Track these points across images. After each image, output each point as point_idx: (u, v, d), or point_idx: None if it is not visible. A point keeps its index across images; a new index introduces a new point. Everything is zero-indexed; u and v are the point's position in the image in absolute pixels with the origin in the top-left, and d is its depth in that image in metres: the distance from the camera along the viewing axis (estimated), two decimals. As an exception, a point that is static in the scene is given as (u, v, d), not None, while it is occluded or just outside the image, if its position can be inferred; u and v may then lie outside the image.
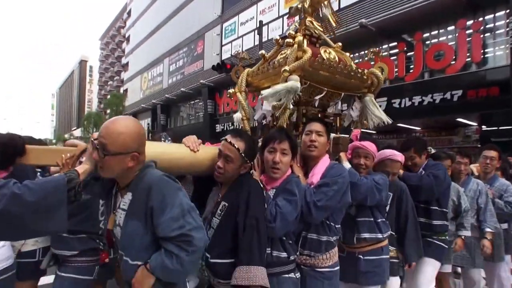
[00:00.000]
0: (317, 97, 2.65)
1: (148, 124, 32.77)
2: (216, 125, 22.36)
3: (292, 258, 1.86)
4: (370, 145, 2.35)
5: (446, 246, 2.94)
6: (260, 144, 2.15)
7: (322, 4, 2.97)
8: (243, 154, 1.73)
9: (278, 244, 1.82)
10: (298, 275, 1.90)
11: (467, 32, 10.57)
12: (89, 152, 1.43)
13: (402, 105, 11.34)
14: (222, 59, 21.04)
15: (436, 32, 11.50)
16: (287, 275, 1.83)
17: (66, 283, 2.12)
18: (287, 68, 2.38)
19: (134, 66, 37.05)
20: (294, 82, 2.31)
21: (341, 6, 13.45)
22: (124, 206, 1.38)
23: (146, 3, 33.96)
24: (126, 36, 42.02)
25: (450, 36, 11.18)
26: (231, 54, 20.54)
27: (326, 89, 2.66)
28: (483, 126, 11.55)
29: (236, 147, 1.72)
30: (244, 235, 1.62)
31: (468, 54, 10.45)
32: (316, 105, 2.77)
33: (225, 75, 15.13)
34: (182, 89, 24.91)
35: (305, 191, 1.91)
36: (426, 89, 10.88)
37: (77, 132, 57.06)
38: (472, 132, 11.99)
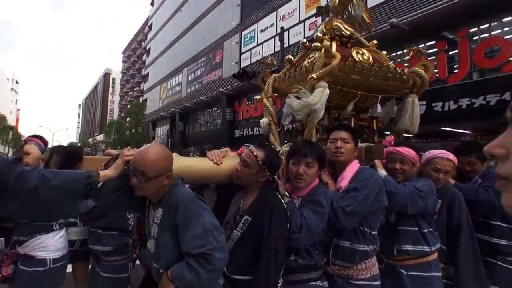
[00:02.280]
0: (351, 103, 2.42)
1: (167, 130, 32.11)
2: (235, 131, 21.18)
3: (319, 265, 1.76)
4: (405, 150, 2.08)
5: None
6: (281, 154, 2.15)
7: (354, 1, 2.71)
8: (260, 162, 1.66)
9: (304, 252, 1.71)
10: (325, 283, 1.77)
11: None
12: (116, 164, 1.52)
13: (446, 108, 9.59)
14: (241, 67, 19.98)
15: (486, 26, 9.66)
16: (313, 283, 1.71)
17: (104, 282, 2.21)
18: (314, 75, 2.21)
19: (154, 77, 36.65)
20: (321, 89, 2.14)
21: (369, 5, 11.87)
22: (157, 220, 1.46)
23: (167, 16, 33.59)
24: (147, 48, 41.77)
25: (506, 29, 9.29)
26: (250, 62, 19.50)
27: (359, 93, 2.42)
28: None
29: (255, 154, 1.68)
30: (263, 257, 1.55)
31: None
32: (343, 108, 2.50)
33: (244, 83, 14.00)
34: (200, 97, 24.01)
35: (332, 197, 1.76)
36: (476, 90, 9.06)
37: (100, 137, 58.49)
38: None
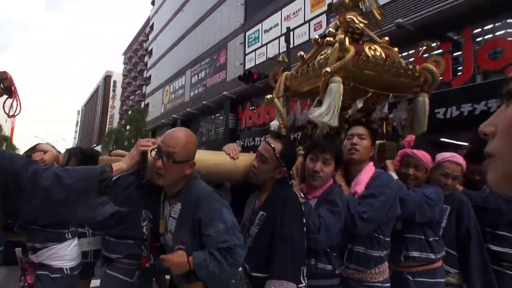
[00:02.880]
0: (361, 99, 2.57)
1: None
2: (237, 141, 21.95)
3: (337, 272, 1.85)
4: (423, 155, 2.18)
5: None
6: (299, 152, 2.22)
7: None
8: (278, 155, 1.74)
9: (323, 256, 1.82)
10: None
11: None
12: (132, 155, 1.61)
13: (448, 115, 10.20)
14: (246, 68, 21.02)
15: (491, 26, 10.35)
16: None
17: (109, 280, 2.42)
18: (328, 69, 2.29)
19: (156, 79, 38.09)
20: (336, 84, 2.24)
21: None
22: (175, 215, 1.56)
23: (168, 16, 35.10)
24: (149, 49, 43.36)
25: (510, 30, 9.96)
26: (255, 63, 20.55)
27: (371, 90, 2.53)
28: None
29: (272, 146, 1.75)
30: (277, 248, 1.62)
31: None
32: (359, 109, 2.65)
33: (248, 86, 14.81)
34: (203, 102, 25.09)
35: (349, 202, 1.87)
36: (479, 95, 9.70)
37: (99, 148, 58.73)
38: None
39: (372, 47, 2.64)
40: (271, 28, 19.54)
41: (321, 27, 15.94)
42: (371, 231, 1.91)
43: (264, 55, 19.84)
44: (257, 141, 19.62)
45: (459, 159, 2.31)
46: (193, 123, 29.54)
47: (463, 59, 10.70)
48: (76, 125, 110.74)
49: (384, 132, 2.77)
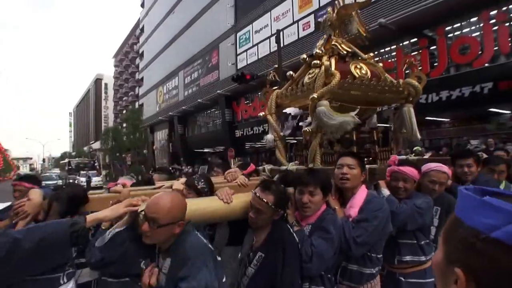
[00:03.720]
0: (352, 112, 2.54)
1: (167, 134, 33.20)
2: (236, 131, 22.50)
3: None
4: (409, 170, 2.27)
5: None
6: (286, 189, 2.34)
7: (353, 13, 2.89)
8: (273, 206, 1.76)
9: (317, 278, 1.81)
10: None
11: (492, 23, 10.31)
12: (116, 210, 1.63)
13: (429, 101, 11.11)
14: (238, 67, 21.42)
15: (459, 25, 11.29)
16: None
17: None
18: (315, 95, 2.35)
19: (149, 81, 37.63)
20: (350, 119, 2.35)
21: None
22: (165, 270, 1.52)
23: (159, 19, 34.65)
24: (140, 52, 42.67)
25: (474, 29, 10.94)
26: (246, 63, 20.85)
27: (359, 107, 2.56)
28: (517, 113, 11.16)
29: (265, 201, 1.76)
30: None
31: (495, 47, 10.19)
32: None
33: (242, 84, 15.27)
34: (199, 100, 25.20)
35: (344, 226, 1.88)
36: (454, 84, 10.64)
37: (96, 145, 58.15)
38: (506, 120, 11.60)
39: (358, 66, 2.66)
40: (261, 29, 19.85)
41: (309, 27, 16.46)
42: (367, 250, 1.95)
43: (255, 55, 20.21)
44: (255, 130, 20.14)
45: (444, 167, 2.41)
46: (190, 118, 29.78)
47: (438, 53, 11.59)
48: (70, 126, 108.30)
49: (375, 139, 2.83)
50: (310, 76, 2.72)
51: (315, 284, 1.81)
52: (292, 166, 2.78)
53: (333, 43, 2.77)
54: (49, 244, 1.31)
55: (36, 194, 1.94)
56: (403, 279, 2.22)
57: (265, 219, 1.80)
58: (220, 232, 2.10)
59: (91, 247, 1.70)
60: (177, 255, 1.48)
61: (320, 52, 2.73)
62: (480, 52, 10.46)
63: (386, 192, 2.27)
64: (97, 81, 75.51)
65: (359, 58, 2.86)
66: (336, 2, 2.99)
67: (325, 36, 2.96)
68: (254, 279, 1.73)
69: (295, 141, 3.38)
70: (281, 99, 2.96)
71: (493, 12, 10.31)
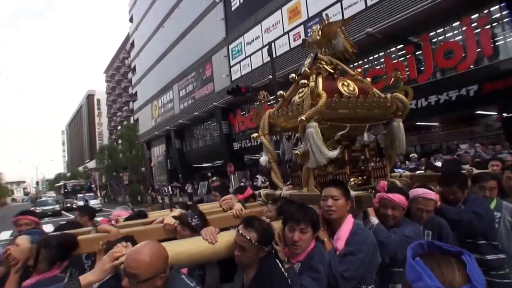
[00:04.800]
0: (339, 133, 2.61)
1: (164, 150, 33.57)
2: (234, 144, 23.00)
3: None
4: (397, 197, 2.30)
5: (510, 280, 2.60)
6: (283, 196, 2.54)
7: (338, 30, 2.94)
8: (256, 243, 1.79)
9: None
10: None
11: (473, 26, 11.09)
12: (103, 268, 1.61)
13: (419, 105, 11.82)
14: (232, 79, 22.11)
15: (441, 31, 12.11)
16: None
17: None
18: (303, 117, 2.42)
19: (143, 95, 38.17)
20: (312, 129, 2.41)
21: (345, 16, 14.22)
22: None
23: (149, 33, 35.35)
24: (132, 66, 43.28)
25: (457, 34, 11.75)
26: (240, 74, 21.50)
27: (348, 125, 2.60)
28: (503, 114, 11.84)
29: (248, 238, 1.78)
30: None
31: (478, 50, 10.97)
32: (338, 141, 2.72)
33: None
34: (195, 113, 25.73)
35: (331, 261, 1.93)
36: (441, 88, 11.41)
37: (91, 164, 58.09)
38: (493, 121, 12.38)
39: (345, 83, 2.70)
40: (253, 40, 20.61)
41: (300, 37, 17.16)
42: (356, 283, 1.97)
43: (249, 66, 20.95)
44: (254, 142, 20.16)
45: (430, 194, 2.43)
46: (187, 132, 30.28)
47: (424, 59, 12.40)
48: (63, 145, 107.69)
49: (368, 156, 2.86)
50: (299, 95, 2.78)
51: None
52: (285, 191, 2.78)
53: (318, 63, 2.82)
54: None
55: (23, 240, 2.00)
56: None
57: (250, 256, 1.82)
58: (211, 272, 2.11)
59: None
60: None
61: (308, 70, 2.77)
62: (463, 55, 11.24)
63: (374, 220, 2.27)
64: (89, 97, 75.72)
65: (347, 73, 2.94)
66: (323, 19, 3.08)
67: (312, 54, 3.01)
68: None
69: (290, 162, 3.37)
70: (273, 119, 2.99)
71: (474, 16, 11.13)
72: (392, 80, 3.00)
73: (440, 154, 11.13)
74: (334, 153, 2.47)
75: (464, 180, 2.80)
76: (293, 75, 2.96)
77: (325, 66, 2.80)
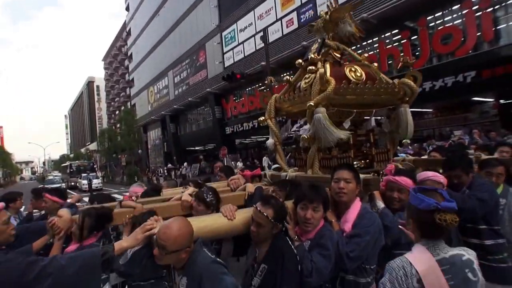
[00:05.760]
0: (347, 120, 2.49)
1: (160, 133, 32.54)
2: (226, 128, 21.98)
3: None
4: (404, 180, 2.19)
5: (508, 265, 2.42)
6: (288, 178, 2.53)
7: (347, 15, 2.74)
8: (272, 220, 1.78)
9: None
10: None
11: (474, 9, 9.77)
12: (136, 237, 1.66)
13: (414, 91, 10.68)
14: (225, 66, 20.75)
15: (440, 14, 10.73)
16: None
17: None
18: (311, 103, 2.29)
19: (139, 82, 36.65)
20: (320, 115, 2.30)
21: (340, 2, 12.74)
22: (182, 287, 1.56)
23: (145, 21, 33.51)
24: (128, 54, 41.33)
25: (456, 17, 10.40)
26: (233, 61, 20.19)
27: (355, 111, 2.47)
28: (501, 100, 10.72)
29: (265, 214, 1.77)
30: None
31: (478, 34, 9.69)
32: (346, 127, 2.57)
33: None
34: (189, 98, 24.54)
35: (338, 241, 1.88)
36: (436, 74, 10.18)
37: (92, 146, 57.22)
38: (489, 108, 11.24)
39: (353, 69, 2.56)
40: (245, 27, 19.10)
41: (292, 23, 15.80)
42: (360, 262, 1.94)
43: (241, 52, 19.50)
44: (245, 126, 19.50)
45: (440, 177, 2.29)
46: (181, 116, 29.06)
47: (421, 44, 11.06)
48: (66, 128, 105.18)
49: (372, 141, 2.76)
50: (306, 81, 2.62)
51: None
52: (291, 173, 2.70)
53: (327, 49, 2.66)
54: (86, 270, 1.41)
55: (65, 212, 2.11)
56: None
57: (265, 232, 1.81)
58: (226, 247, 2.14)
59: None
60: (191, 274, 1.53)
61: (315, 57, 2.57)
62: (462, 39, 9.96)
63: (380, 204, 2.17)
64: (89, 84, 73.54)
65: (354, 59, 2.77)
66: (329, 4, 2.80)
67: (319, 40, 2.79)
68: None
69: (294, 146, 3.24)
70: (279, 103, 2.86)
71: None
72: (400, 64, 2.81)
73: (433, 140, 10.07)
74: (346, 134, 2.41)
75: (468, 163, 2.60)
76: (300, 60, 2.80)
77: (333, 52, 2.68)
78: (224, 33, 21.01)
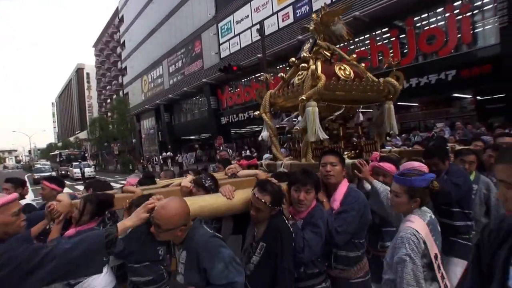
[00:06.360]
0: (336, 113, 2.67)
1: (155, 122, 32.61)
2: (221, 118, 22.49)
3: (322, 271, 2.07)
4: (388, 166, 2.43)
5: (471, 243, 2.74)
6: (283, 167, 2.61)
7: (336, 19, 2.97)
8: (270, 205, 1.90)
9: (310, 264, 2.01)
10: (328, 283, 2.10)
11: (455, 13, 10.75)
12: (139, 216, 1.68)
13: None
14: (221, 57, 21.20)
15: (426, 15, 11.68)
16: (319, 286, 2.04)
17: None
18: (303, 97, 2.49)
19: (132, 70, 36.49)
20: (312, 108, 2.48)
21: (333, 0, 13.55)
22: (182, 260, 1.69)
23: (138, 8, 33.28)
24: (121, 41, 40.92)
25: (440, 20, 11.37)
26: (229, 52, 20.62)
27: (344, 106, 2.68)
28: (477, 97, 11.84)
29: (263, 201, 1.89)
30: (280, 278, 1.86)
31: (459, 36, 10.69)
32: (334, 120, 2.80)
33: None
34: (184, 88, 24.85)
35: (328, 219, 2.04)
36: (422, 71, 11.17)
37: (82, 135, 56.25)
38: (468, 104, 12.37)
39: (342, 67, 2.78)
40: (242, 19, 19.58)
41: (288, 18, 16.45)
42: (349, 237, 2.08)
43: (237, 44, 20.02)
44: (240, 117, 20.22)
45: (424, 167, 2.50)
46: (176, 106, 29.37)
47: (408, 43, 12.02)
48: (53, 116, 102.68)
49: (361, 133, 3.00)
50: (299, 77, 2.83)
51: (309, 268, 2.01)
52: (286, 162, 2.90)
53: (317, 48, 2.89)
54: (91, 253, 1.43)
55: (64, 196, 2.15)
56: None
57: (264, 216, 1.94)
58: (225, 225, 2.28)
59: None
60: (191, 247, 1.65)
61: (307, 55, 2.79)
62: (445, 40, 10.94)
63: (367, 186, 2.41)
64: (79, 71, 71.96)
65: (344, 59, 3.00)
66: (321, 7, 3.08)
67: (310, 40, 3.05)
68: (260, 266, 1.92)
69: (290, 137, 3.46)
70: (274, 99, 3.06)
71: (458, 3, 10.74)
72: (385, 65, 3.35)
73: (418, 131, 11.09)
74: (324, 135, 2.61)
75: (444, 152, 2.84)
76: (293, 59, 2.96)
77: (324, 51, 2.85)
78: (220, 24, 21.41)
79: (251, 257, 1.95)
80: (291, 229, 1.94)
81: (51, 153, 45.63)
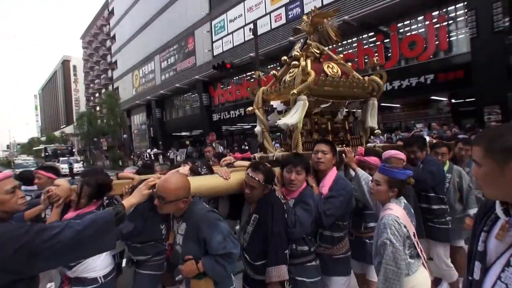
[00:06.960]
0: (322, 106, 2.87)
1: (146, 118, 32.77)
2: (213, 115, 23.09)
3: (312, 249, 2.23)
4: (373, 159, 2.64)
5: (448, 226, 3.09)
6: (275, 158, 2.81)
7: (326, 20, 3.15)
8: (263, 183, 2.08)
9: (301, 241, 2.19)
10: (318, 262, 2.28)
11: (434, 22, 11.83)
12: (142, 192, 1.79)
13: (385, 89, 12.58)
14: (214, 54, 21.81)
15: (408, 23, 12.79)
16: (309, 264, 2.22)
17: (142, 277, 2.66)
18: (295, 91, 2.66)
19: (123, 65, 36.51)
20: (302, 101, 2.66)
21: (324, 3, 14.49)
22: (181, 232, 1.83)
23: (130, 2, 33.32)
24: (111, 34, 40.82)
25: (420, 27, 12.48)
26: (222, 50, 21.24)
27: (331, 100, 2.89)
28: (452, 100, 13.04)
29: (257, 179, 2.06)
30: (272, 242, 2.01)
31: (436, 43, 11.78)
32: (322, 114, 3.01)
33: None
34: (177, 85, 25.23)
35: (318, 203, 2.22)
36: (404, 75, 12.24)
37: (69, 129, 55.45)
38: (444, 106, 13.60)
39: (330, 65, 2.95)
40: (235, 18, 20.25)
41: (280, 19, 17.26)
42: (335, 220, 2.27)
43: (230, 42, 20.68)
44: (232, 114, 20.97)
45: (401, 155, 2.71)
46: (167, 102, 29.73)
47: (391, 48, 13.09)
48: (36, 109, 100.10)
49: (347, 127, 3.19)
50: (290, 75, 2.98)
51: (300, 245, 2.18)
52: (279, 153, 3.03)
53: (310, 42, 3.10)
54: (102, 231, 1.47)
55: (62, 181, 2.18)
56: (368, 241, 2.58)
57: (258, 193, 2.10)
58: (222, 204, 2.46)
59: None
60: (190, 220, 1.78)
61: (298, 54, 2.96)
62: (425, 46, 12.02)
63: (353, 173, 2.56)
64: (65, 63, 70.77)
65: (332, 58, 3.18)
66: (311, 9, 3.30)
67: (301, 40, 3.29)
68: (253, 234, 2.10)
69: (281, 132, 3.61)
70: (266, 95, 3.20)
71: (435, 13, 11.83)
72: (369, 65, 3.84)
73: (399, 131, 12.11)
74: (297, 121, 2.70)
75: (422, 142, 3.18)
76: (285, 57, 3.16)
77: (313, 50, 3.07)
78: (214, 22, 22.00)
79: (246, 228, 2.15)
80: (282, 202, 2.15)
81: (34, 148, 44.71)
